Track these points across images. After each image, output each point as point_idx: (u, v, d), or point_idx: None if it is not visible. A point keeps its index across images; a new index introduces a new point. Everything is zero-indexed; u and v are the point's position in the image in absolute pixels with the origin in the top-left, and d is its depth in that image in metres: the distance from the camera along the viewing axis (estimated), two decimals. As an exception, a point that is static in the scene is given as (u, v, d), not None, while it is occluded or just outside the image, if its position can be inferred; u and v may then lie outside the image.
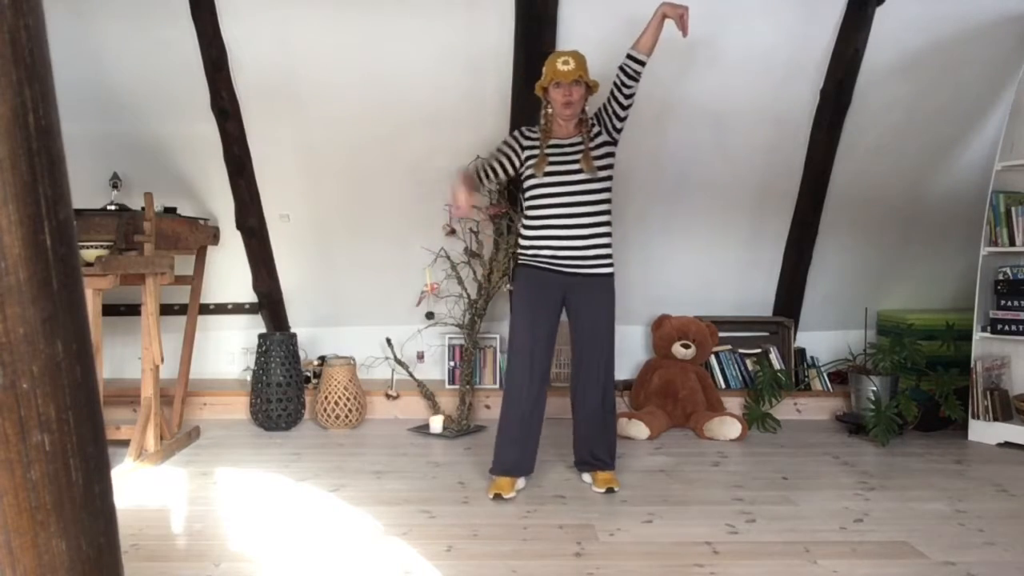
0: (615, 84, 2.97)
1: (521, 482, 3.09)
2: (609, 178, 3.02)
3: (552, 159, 2.98)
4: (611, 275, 3.03)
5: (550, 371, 3.09)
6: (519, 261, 3.10)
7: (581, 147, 2.97)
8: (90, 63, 3.65)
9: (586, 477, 3.15)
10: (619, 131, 3.03)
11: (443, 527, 2.65)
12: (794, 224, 4.37)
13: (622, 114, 3.00)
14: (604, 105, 3.02)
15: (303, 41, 3.63)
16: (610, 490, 3.01)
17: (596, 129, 3.04)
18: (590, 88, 3.00)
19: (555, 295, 3.02)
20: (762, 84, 3.79)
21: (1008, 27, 3.64)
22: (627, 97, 2.97)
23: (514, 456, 3.02)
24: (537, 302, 3.01)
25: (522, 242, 3.08)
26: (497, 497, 2.95)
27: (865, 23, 3.59)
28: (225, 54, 3.65)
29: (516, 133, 3.13)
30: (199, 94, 3.77)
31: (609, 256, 3.02)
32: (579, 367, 3.07)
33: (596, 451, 3.09)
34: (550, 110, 3.02)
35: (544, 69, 2.99)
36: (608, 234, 3.02)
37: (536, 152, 3.01)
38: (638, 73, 2.94)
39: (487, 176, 3.14)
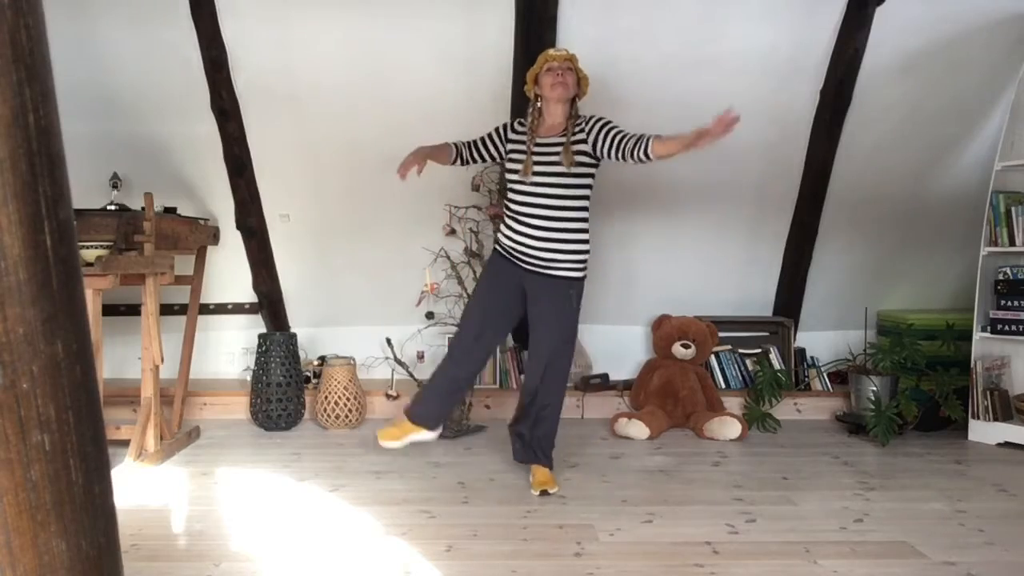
0: (622, 144, 2.91)
1: (424, 435, 3.11)
2: (587, 187, 3.00)
3: (536, 159, 3.00)
4: (567, 279, 2.98)
5: (494, 347, 3.24)
6: (494, 246, 3.18)
7: (562, 144, 2.96)
8: (90, 63, 3.65)
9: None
10: (603, 158, 3.01)
11: (443, 527, 2.65)
12: (794, 224, 4.37)
13: (611, 159, 2.98)
14: (606, 137, 2.93)
15: (303, 41, 3.63)
16: (544, 492, 2.97)
17: (580, 124, 2.99)
18: (580, 83, 3.02)
19: (513, 280, 3.06)
20: (762, 84, 3.79)
21: (1008, 27, 3.64)
22: (620, 159, 2.96)
23: (431, 409, 3.11)
24: (495, 281, 3.11)
25: (502, 227, 3.14)
26: (388, 440, 3.09)
27: (865, 23, 3.59)
28: (225, 54, 3.65)
29: (505, 124, 3.18)
30: (199, 94, 3.77)
31: (568, 261, 2.97)
32: (529, 365, 3.15)
33: (531, 443, 3.13)
34: (539, 104, 3.04)
35: (536, 62, 3.03)
36: (573, 240, 2.97)
37: (520, 147, 3.04)
38: (641, 163, 2.94)
39: (469, 151, 3.18)
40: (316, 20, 3.55)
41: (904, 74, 3.78)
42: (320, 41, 3.62)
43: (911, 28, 3.62)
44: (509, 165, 3.08)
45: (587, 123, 3.00)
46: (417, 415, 3.11)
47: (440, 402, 3.14)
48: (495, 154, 3.17)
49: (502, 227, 3.11)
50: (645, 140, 2.88)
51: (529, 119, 3.06)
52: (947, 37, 3.65)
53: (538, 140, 3.02)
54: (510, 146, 3.10)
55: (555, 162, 2.95)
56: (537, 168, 2.97)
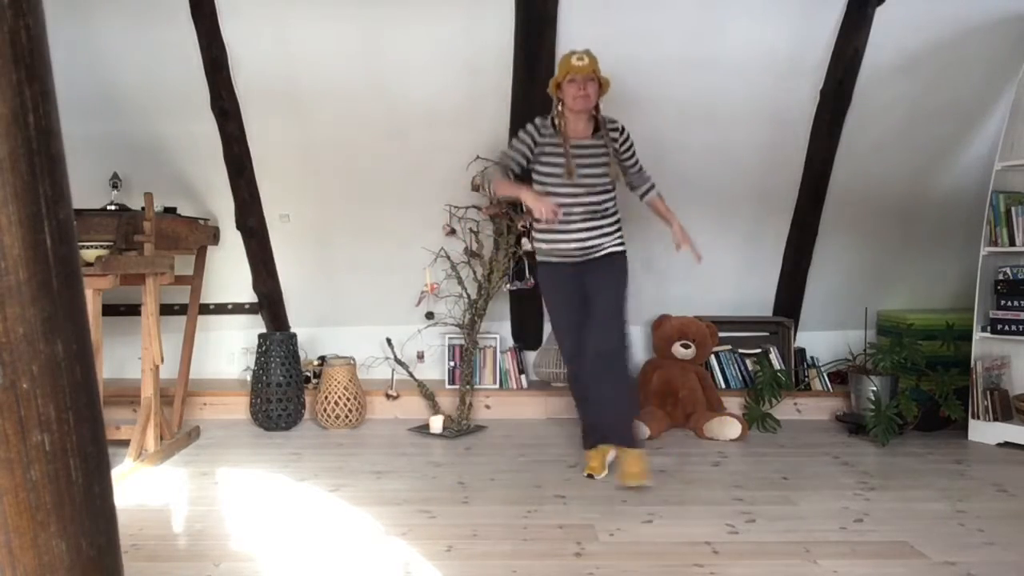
0: (635, 178, 3.36)
1: (611, 455, 3.23)
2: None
3: (575, 161, 3.07)
4: (620, 252, 3.22)
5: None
6: (538, 259, 3.27)
7: (599, 150, 3.11)
8: (90, 63, 3.65)
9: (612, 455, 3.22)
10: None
11: (443, 527, 2.65)
12: (794, 224, 4.37)
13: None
14: (628, 160, 3.27)
15: (303, 41, 3.63)
16: (641, 486, 3.00)
17: (614, 135, 3.16)
18: (601, 86, 3.08)
19: (577, 282, 3.18)
20: (762, 84, 3.79)
21: (1008, 27, 3.64)
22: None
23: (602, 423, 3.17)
24: (565, 293, 3.19)
25: (538, 236, 3.22)
26: (590, 477, 3.11)
27: (865, 23, 3.59)
28: (225, 54, 3.65)
29: (532, 127, 3.16)
30: (199, 94, 3.76)
31: (618, 236, 3.22)
32: (589, 326, 3.11)
33: (611, 420, 3.13)
34: (560, 108, 3.10)
35: (558, 66, 3.08)
36: (616, 220, 3.23)
37: (555, 151, 3.09)
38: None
39: (516, 164, 3.21)
40: (316, 20, 3.54)
41: (904, 74, 3.78)
42: (320, 41, 3.62)
43: (911, 28, 3.62)
44: (544, 168, 3.11)
45: (620, 133, 3.19)
46: (593, 442, 3.24)
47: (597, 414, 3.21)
48: (529, 157, 3.17)
49: (545, 233, 3.17)
50: (652, 191, 3.37)
51: (558, 122, 3.12)
52: (947, 37, 3.65)
53: (574, 142, 3.10)
54: (539, 149, 3.13)
55: (590, 164, 3.09)
56: (580, 170, 3.08)
